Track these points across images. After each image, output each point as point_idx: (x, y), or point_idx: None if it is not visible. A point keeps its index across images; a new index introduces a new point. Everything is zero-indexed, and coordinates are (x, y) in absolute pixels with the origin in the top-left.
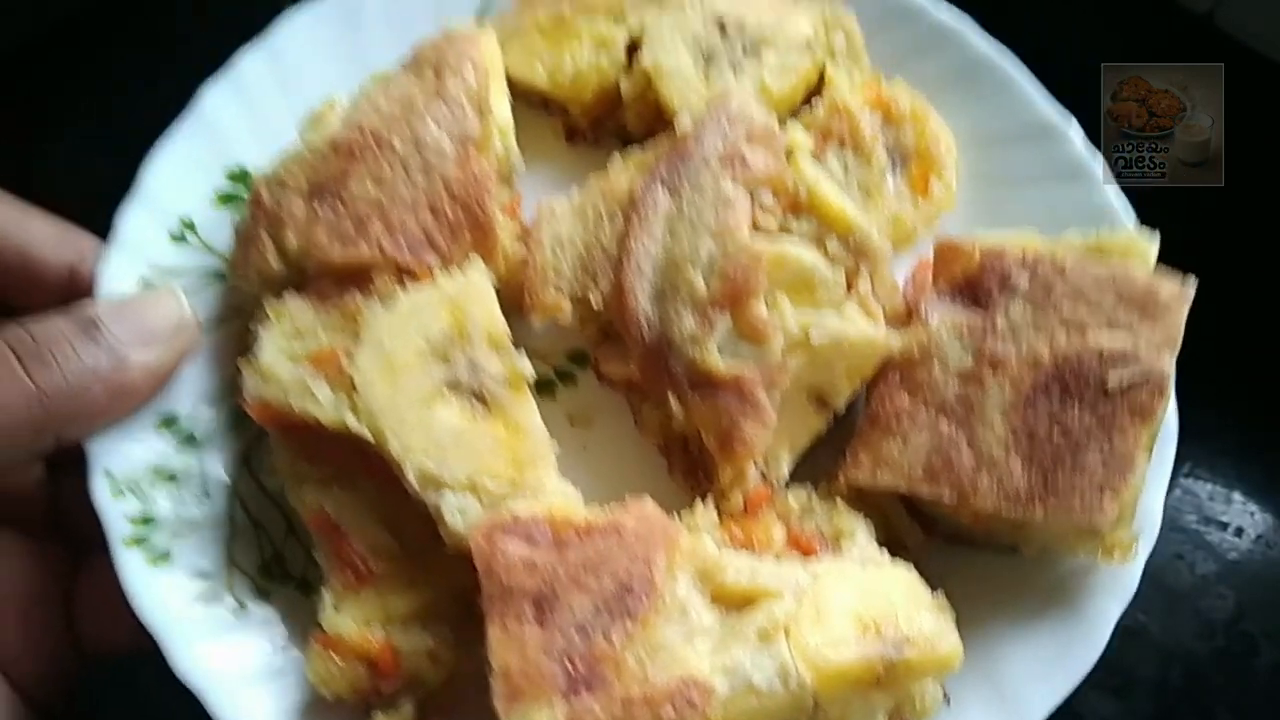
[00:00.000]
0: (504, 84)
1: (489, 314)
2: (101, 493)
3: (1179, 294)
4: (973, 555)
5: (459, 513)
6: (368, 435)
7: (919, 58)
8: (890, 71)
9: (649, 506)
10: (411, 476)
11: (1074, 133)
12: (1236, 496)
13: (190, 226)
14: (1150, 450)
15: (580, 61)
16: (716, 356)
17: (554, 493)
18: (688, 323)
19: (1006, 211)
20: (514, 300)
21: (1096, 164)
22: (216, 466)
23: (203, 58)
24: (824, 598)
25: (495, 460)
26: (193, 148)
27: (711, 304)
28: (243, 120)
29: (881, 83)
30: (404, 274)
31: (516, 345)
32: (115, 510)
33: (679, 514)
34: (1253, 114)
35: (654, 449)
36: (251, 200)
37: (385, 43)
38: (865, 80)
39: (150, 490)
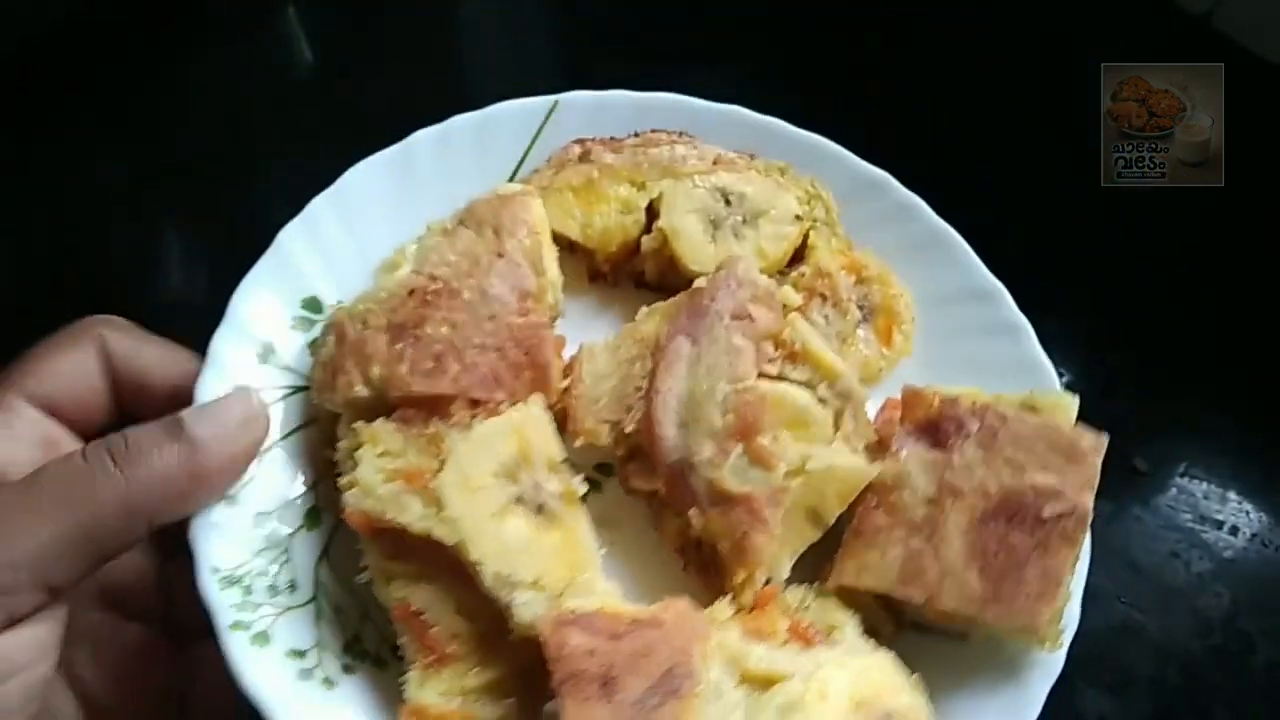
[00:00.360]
0: (551, 241)
1: (548, 441)
2: (208, 585)
3: (1095, 445)
4: (932, 642)
5: (527, 607)
6: (450, 543)
7: (883, 227)
8: (858, 238)
9: (683, 604)
10: (488, 578)
11: (1007, 297)
12: (1232, 495)
13: (271, 349)
14: (1074, 567)
15: (608, 219)
16: (732, 479)
17: (602, 592)
18: (707, 450)
19: (953, 360)
20: (558, 424)
21: (1026, 324)
22: (301, 556)
23: (204, 58)
24: (825, 679)
25: (555, 564)
26: (273, 280)
27: (727, 435)
28: (314, 256)
29: (853, 248)
30: (476, 405)
31: None
32: (221, 600)
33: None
34: (1252, 115)
35: (668, 550)
36: (337, 333)
37: (436, 191)
38: (840, 247)
39: (249, 580)
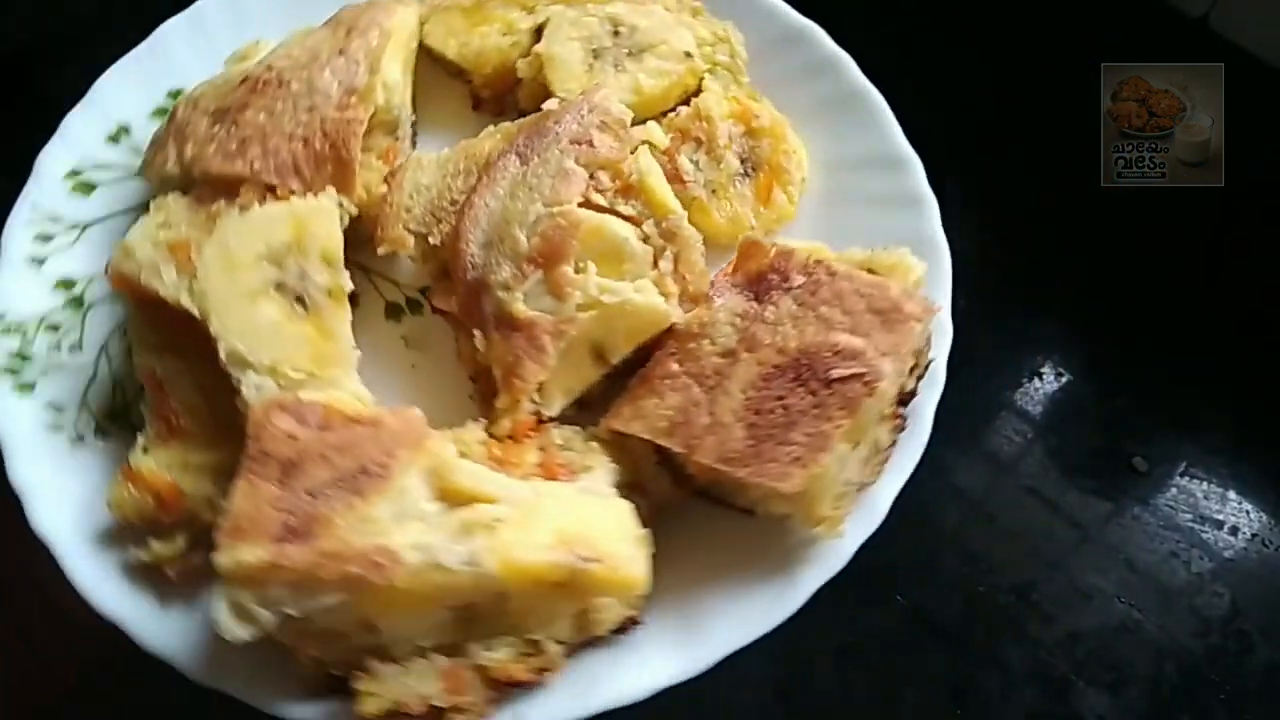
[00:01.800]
0: (405, 49)
1: (328, 234)
2: None
3: (921, 310)
4: (718, 515)
5: (256, 389)
6: (196, 313)
7: (800, 82)
8: (774, 91)
9: (414, 412)
10: (223, 353)
11: (920, 170)
12: (1232, 495)
13: (126, 130)
14: (859, 442)
15: (487, 41)
16: (521, 304)
17: (346, 391)
18: (505, 271)
19: (842, 229)
20: (370, 232)
21: (931, 198)
22: (96, 327)
23: None
24: (538, 511)
25: (299, 354)
26: (143, 68)
27: (528, 259)
28: (192, 50)
29: (753, 99)
30: (270, 192)
31: (379, 273)
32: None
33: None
34: (1252, 115)
35: (465, 376)
36: (170, 115)
37: (334, 5)
38: (735, 95)
39: (33, 334)
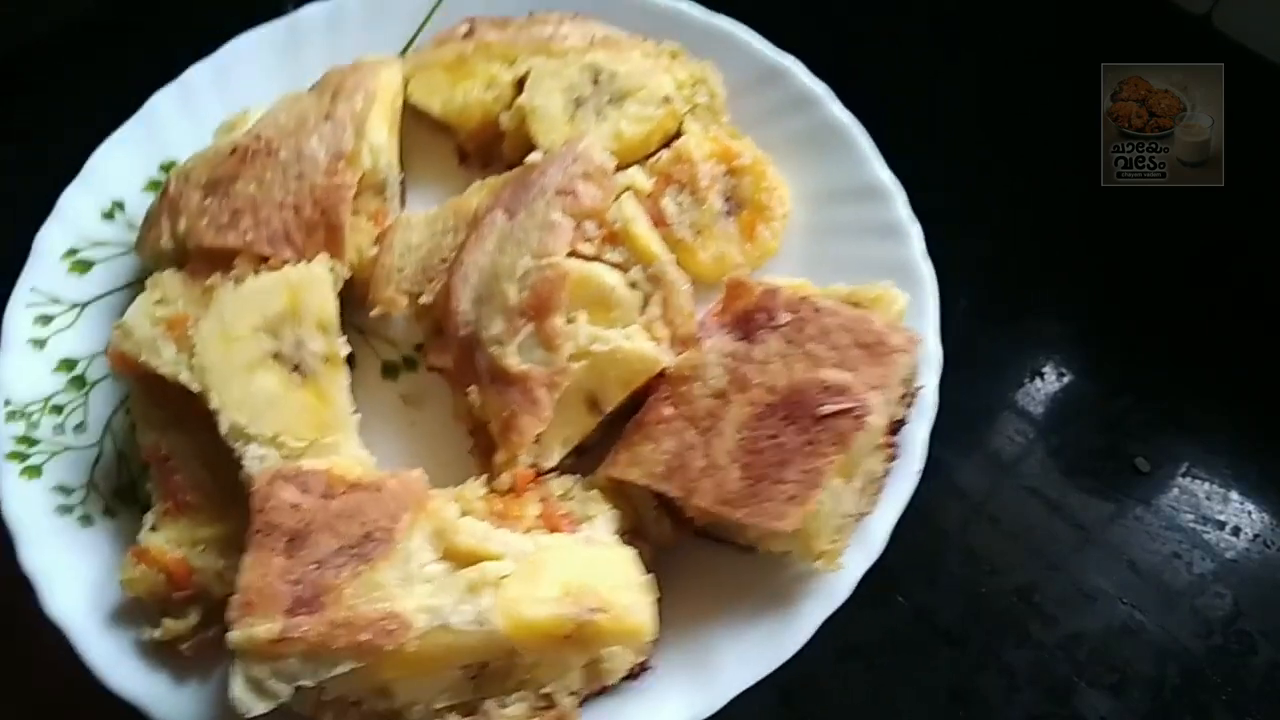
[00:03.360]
0: (390, 109)
1: (322, 301)
2: None
3: (905, 341)
4: (719, 553)
5: (259, 460)
6: (196, 388)
7: (778, 118)
8: (752, 128)
9: (415, 474)
10: (224, 427)
11: (901, 198)
12: (1234, 495)
13: (120, 206)
14: (852, 475)
15: (470, 96)
16: (514, 357)
17: (348, 456)
18: (497, 326)
19: (826, 260)
20: (364, 294)
21: (915, 228)
22: (99, 405)
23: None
24: (541, 564)
25: (299, 422)
26: (136, 141)
27: (519, 313)
28: (183, 121)
29: (734, 137)
30: (263, 262)
31: (374, 333)
32: (4, 431)
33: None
34: (1252, 115)
35: (464, 432)
36: (162, 188)
37: (321, 68)
38: (716, 134)
39: (37, 417)
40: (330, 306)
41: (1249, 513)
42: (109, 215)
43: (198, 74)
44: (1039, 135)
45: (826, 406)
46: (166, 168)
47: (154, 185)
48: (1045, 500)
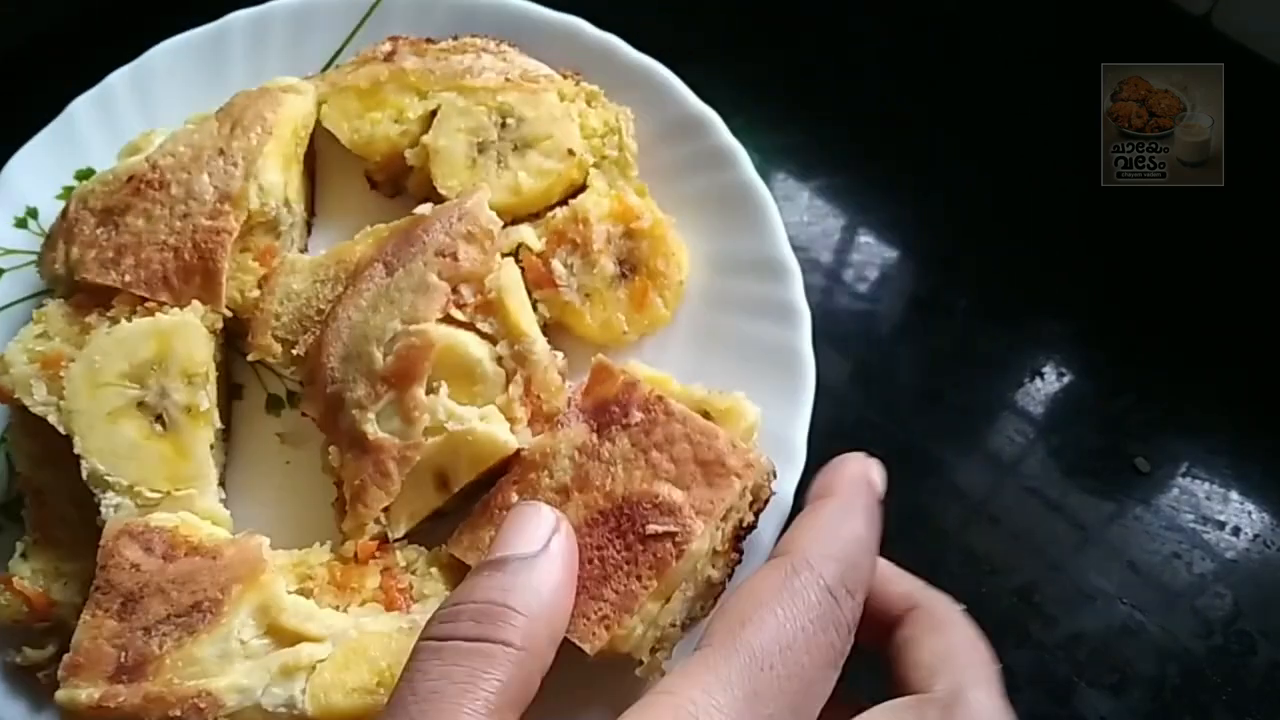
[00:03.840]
0: (292, 141)
1: (190, 351)
2: None
3: (743, 466)
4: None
5: (114, 509)
6: (63, 431)
7: (692, 173)
8: (664, 181)
9: (254, 541)
10: (86, 473)
11: (798, 279)
12: (1234, 495)
13: (34, 214)
14: (669, 599)
15: (378, 128)
16: (372, 424)
17: (202, 511)
18: (360, 389)
19: (718, 336)
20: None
21: (805, 311)
22: None
23: None
24: (360, 650)
25: (155, 474)
26: (53, 148)
27: (382, 379)
28: (101, 130)
29: (640, 194)
30: (142, 304)
31: (264, 362)
32: None
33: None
34: (1252, 115)
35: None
36: (64, 208)
37: (244, 78)
38: (619, 191)
39: None
40: (200, 356)
41: (1249, 513)
42: (21, 223)
43: (118, 80)
44: (1039, 135)
45: (652, 526)
46: (82, 176)
47: (68, 192)
48: (1045, 500)
